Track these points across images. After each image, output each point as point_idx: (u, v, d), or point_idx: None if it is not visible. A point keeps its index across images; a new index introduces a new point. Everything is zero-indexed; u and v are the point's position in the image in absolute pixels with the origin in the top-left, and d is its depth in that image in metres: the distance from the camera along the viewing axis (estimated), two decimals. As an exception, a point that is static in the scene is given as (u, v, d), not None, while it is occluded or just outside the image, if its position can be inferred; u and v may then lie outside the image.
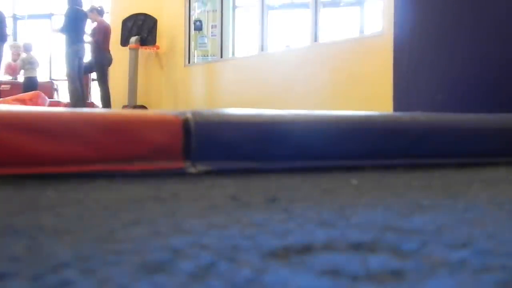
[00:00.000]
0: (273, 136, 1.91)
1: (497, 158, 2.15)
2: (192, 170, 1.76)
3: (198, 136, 1.80)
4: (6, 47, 10.29)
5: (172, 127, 1.80)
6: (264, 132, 1.91)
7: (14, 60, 11.80)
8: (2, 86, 11.69)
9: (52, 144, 1.66)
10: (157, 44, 10.62)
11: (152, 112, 1.93)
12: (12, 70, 11.86)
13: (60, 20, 9.79)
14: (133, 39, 10.39)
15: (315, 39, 7.40)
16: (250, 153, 1.86)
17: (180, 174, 1.77)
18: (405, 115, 2.28)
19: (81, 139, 1.70)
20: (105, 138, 1.73)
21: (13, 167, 1.62)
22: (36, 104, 8.46)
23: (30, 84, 10.92)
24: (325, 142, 1.96)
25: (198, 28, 10.10)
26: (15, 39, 13.73)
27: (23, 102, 8.38)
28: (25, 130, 1.65)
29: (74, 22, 8.75)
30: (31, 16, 14.37)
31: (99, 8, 9.57)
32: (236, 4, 9.73)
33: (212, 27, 9.84)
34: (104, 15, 9.85)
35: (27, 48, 11.68)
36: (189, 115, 1.81)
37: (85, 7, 9.75)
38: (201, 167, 1.77)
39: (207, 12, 10.03)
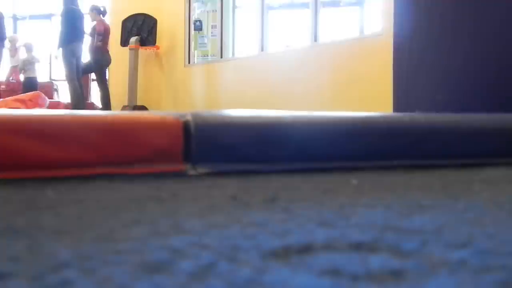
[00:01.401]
0: (274, 138, 1.90)
1: (497, 158, 2.15)
2: (192, 172, 1.76)
3: (198, 138, 1.80)
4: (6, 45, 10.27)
5: (172, 129, 1.79)
6: (264, 134, 1.91)
7: (13, 56, 11.71)
8: (2, 86, 11.69)
9: (52, 147, 1.66)
10: (157, 44, 10.62)
11: (152, 114, 1.93)
12: (16, 75, 11.83)
13: (57, 21, 9.76)
14: (133, 39, 10.39)
15: (315, 39, 7.41)
16: (250, 155, 1.85)
17: (181, 175, 1.77)
18: (405, 116, 2.28)
19: (81, 142, 1.70)
20: (105, 141, 1.73)
21: (14, 171, 1.62)
22: (36, 104, 8.46)
23: (30, 85, 10.92)
24: (325, 144, 1.96)
25: (198, 28, 10.10)
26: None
27: (23, 102, 8.38)
28: (25, 134, 1.65)
29: (71, 21, 8.71)
30: (31, 17, 14.37)
31: (101, 9, 9.54)
32: (236, 4, 9.73)
33: (212, 27, 9.84)
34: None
35: (28, 48, 11.66)
36: (189, 117, 1.81)
37: (86, 7, 9.75)
38: (201, 169, 1.77)
39: (207, 12, 10.03)
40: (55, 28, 10.78)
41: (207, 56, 10.08)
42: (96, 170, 1.69)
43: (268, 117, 1.99)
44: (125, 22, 10.65)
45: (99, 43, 9.22)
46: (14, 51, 11.75)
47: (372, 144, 2.02)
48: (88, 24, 9.45)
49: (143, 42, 10.52)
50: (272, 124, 1.94)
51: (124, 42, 10.55)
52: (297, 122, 1.99)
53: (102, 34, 9.26)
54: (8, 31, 10.85)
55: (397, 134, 2.07)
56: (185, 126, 1.80)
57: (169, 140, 1.79)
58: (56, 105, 9.67)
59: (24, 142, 1.64)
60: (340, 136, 2.00)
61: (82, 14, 9.14)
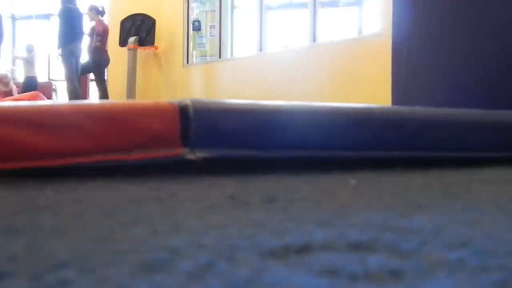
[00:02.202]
0: (273, 125, 1.90)
1: (496, 153, 2.15)
2: (191, 156, 1.75)
3: (197, 123, 1.78)
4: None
5: (169, 114, 1.79)
6: (264, 120, 1.90)
7: None
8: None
9: (50, 136, 1.66)
10: (155, 44, 10.63)
11: (148, 101, 1.93)
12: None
13: (56, 21, 9.72)
14: (131, 39, 10.39)
15: (314, 39, 7.42)
16: (249, 141, 1.85)
17: (179, 171, 1.76)
18: (405, 108, 2.28)
19: (77, 130, 1.69)
20: (102, 129, 1.72)
21: (11, 162, 1.62)
22: (35, 104, 8.45)
23: (30, 84, 10.89)
24: (325, 132, 1.96)
25: (197, 28, 10.11)
26: (14, 40, 13.69)
27: (21, 102, 8.37)
28: (22, 124, 1.65)
29: (69, 21, 8.69)
30: (30, 17, 14.36)
31: (100, 9, 9.53)
32: (235, 4, 9.74)
33: (210, 27, 9.86)
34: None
35: (28, 49, 11.62)
36: (188, 102, 1.80)
37: (85, 6, 9.74)
38: (200, 154, 1.76)
39: (206, 12, 10.04)
40: (53, 28, 10.75)
41: (206, 56, 10.10)
42: (94, 157, 1.68)
43: (267, 104, 1.98)
44: (123, 22, 10.66)
45: (98, 43, 9.21)
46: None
47: (372, 134, 2.02)
48: (86, 24, 9.43)
49: (141, 42, 10.52)
50: (271, 111, 1.94)
51: (123, 42, 10.55)
52: (297, 110, 1.99)
53: (101, 34, 9.24)
54: (7, 32, 10.81)
55: (396, 126, 2.07)
56: (183, 111, 1.79)
57: (166, 125, 1.78)
58: (54, 105, 9.65)
59: (22, 132, 1.63)
60: (340, 124, 1.99)
61: (81, 14, 9.12)
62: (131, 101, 1.95)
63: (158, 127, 1.77)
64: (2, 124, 1.64)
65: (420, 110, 2.19)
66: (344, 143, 1.97)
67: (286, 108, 1.98)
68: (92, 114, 1.75)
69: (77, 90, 8.75)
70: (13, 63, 12.08)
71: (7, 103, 1.97)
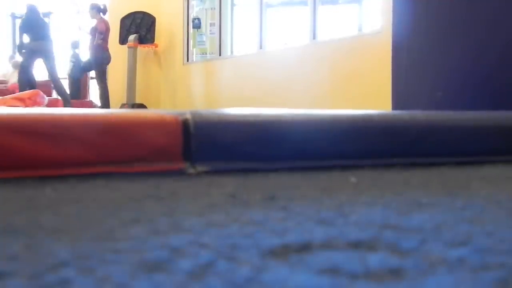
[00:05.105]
0: (273, 137, 1.90)
1: (496, 156, 2.15)
2: (191, 171, 1.76)
3: (197, 136, 1.79)
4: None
5: (172, 128, 1.79)
6: (263, 132, 1.90)
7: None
8: (1, 85, 11.64)
9: (51, 146, 1.66)
10: (155, 42, 10.61)
11: (151, 113, 1.92)
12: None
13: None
14: (131, 37, 10.37)
15: (314, 37, 7.41)
16: (249, 153, 1.85)
17: (179, 173, 1.76)
18: (404, 114, 2.28)
19: (80, 141, 1.70)
20: (105, 140, 1.72)
21: (12, 171, 1.62)
22: (35, 102, 8.44)
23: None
24: (325, 142, 1.96)
25: (197, 26, 10.10)
26: (13, 38, 13.68)
27: (22, 101, 8.37)
28: (23, 133, 1.65)
29: (28, 22, 8.80)
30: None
31: (101, 7, 9.52)
32: (235, 2, 9.73)
33: (210, 25, 9.85)
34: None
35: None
36: (188, 116, 1.81)
37: (86, 5, 9.74)
38: (200, 168, 1.77)
39: (206, 10, 10.03)
40: (53, 26, 10.75)
41: (206, 54, 10.09)
42: (96, 169, 1.69)
43: (267, 115, 1.98)
44: (123, 20, 10.64)
45: (100, 41, 9.21)
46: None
47: (371, 142, 2.02)
48: (80, 23, 9.43)
49: (141, 40, 10.51)
50: (271, 123, 1.94)
51: (123, 40, 10.54)
52: (296, 121, 1.99)
53: (103, 33, 9.23)
54: (7, 30, 10.79)
55: (396, 132, 2.07)
56: (184, 125, 1.80)
57: (168, 138, 1.78)
58: (54, 103, 9.66)
59: (23, 141, 1.64)
60: (340, 134, 2.00)
61: (39, 13, 9.17)
62: (135, 112, 1.93)
63: (161, 140, 1.77)
64: (2, 132, 1.63)
65: (420, 115, 2.18)
66: (344, 152, 1.97)
67: (285, 118, 1.98)
68: (94, 124, 1.74)
69: (23, 86, 8.88)
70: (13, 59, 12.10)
71: (7, 109, 1.96)
